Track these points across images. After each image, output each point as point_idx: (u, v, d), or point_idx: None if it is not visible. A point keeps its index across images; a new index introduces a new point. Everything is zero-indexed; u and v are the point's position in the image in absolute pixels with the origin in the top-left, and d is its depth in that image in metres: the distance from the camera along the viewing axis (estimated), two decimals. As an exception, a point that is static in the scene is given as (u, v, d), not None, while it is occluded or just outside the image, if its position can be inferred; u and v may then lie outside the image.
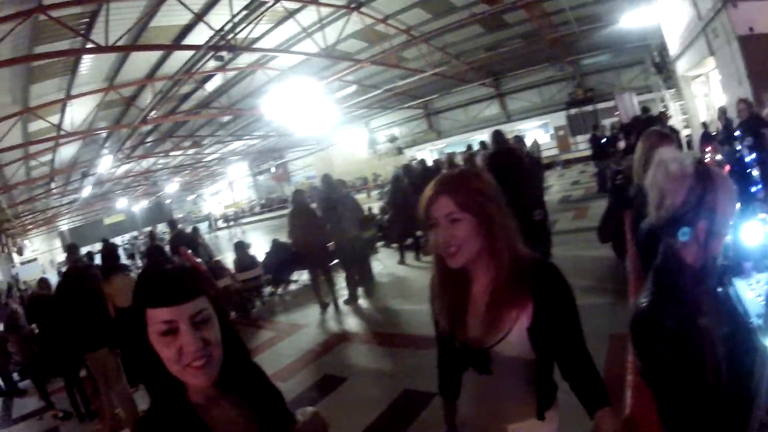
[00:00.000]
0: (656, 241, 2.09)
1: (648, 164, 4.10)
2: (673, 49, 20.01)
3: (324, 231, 10.99)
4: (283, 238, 13.55)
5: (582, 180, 21.22)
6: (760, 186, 7.25)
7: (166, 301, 1.40)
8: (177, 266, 1.50)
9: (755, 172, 7.38)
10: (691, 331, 1.86)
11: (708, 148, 13.07)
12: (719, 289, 2.09)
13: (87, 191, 29.18)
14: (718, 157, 10.70)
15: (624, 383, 2.28)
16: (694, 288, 1.90)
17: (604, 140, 17.32)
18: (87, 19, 12.19)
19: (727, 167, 8.74)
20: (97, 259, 12.46)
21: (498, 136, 9.91)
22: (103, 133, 22.51)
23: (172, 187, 45.51)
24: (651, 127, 5.06)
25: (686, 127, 21.36)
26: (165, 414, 1.45)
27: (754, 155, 7.82)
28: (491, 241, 2.05)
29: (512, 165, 8.12)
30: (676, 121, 21.16)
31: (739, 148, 8.86)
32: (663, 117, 13.33)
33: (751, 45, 12.38)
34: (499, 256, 2.05)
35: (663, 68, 23.66)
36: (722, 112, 12.74)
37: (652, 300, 1.96)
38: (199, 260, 12.16)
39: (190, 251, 12.12)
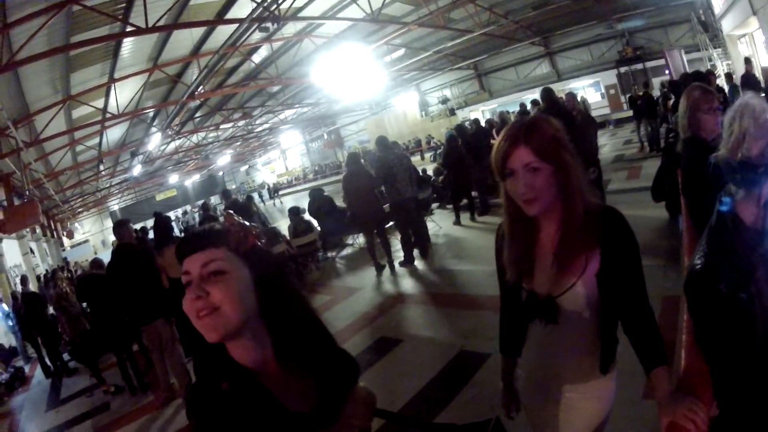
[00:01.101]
0: (716, 178, 2.09)
1: (693, 116, 4.11)
2: (717, 7, 19.41)
3: (379, 193, 11.06)
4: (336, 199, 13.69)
5: (635, 139, 20.70)
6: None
7: (183, 253, 1.45)
8: (207, 225, 1.53)
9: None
10: (745, 297, 1.86)
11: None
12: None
13: (137, 170, 29.59)
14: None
15: (675, 346, 2.27)
16: (750, 251, 1.89)
17: (655, 98, 16.90)
18: (124, 4, 12.35)
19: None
20: (152, 234, 12.79)
21: (547, 93, 9.77)
22: (151, 112, 22.84)
23: (223, 159, 45.97)
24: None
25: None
26: (215, 377, 1.43)
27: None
28: (566, 190, 2.04)
29: (564, 122, 8.06)
30: (722, 81, 20.48)
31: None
32: (711, 75, 12.95)
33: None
34: (573, 204, 2.05)
35: (709, 27, 22.99)
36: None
37: (706, 262, 1.96)
38: (246, 223, 12.34)
39: (237, 216, 12.30)
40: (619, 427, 3.67)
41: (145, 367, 8.84)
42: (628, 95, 17.95)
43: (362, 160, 11.89)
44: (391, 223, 11.94)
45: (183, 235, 1.37)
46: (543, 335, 2.27)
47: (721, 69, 21.45)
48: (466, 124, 18.40)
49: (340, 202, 13.02)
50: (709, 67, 20.43)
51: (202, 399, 1.42)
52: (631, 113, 20.14)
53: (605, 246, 2.07)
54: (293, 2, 13.79)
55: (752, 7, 14.39)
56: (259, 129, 37.57)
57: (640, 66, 30.01)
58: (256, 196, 38.76)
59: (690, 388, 1.89)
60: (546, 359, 2.33)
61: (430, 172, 17.79)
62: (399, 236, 11.38)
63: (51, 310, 12.17)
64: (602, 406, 2.30)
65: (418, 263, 11.14)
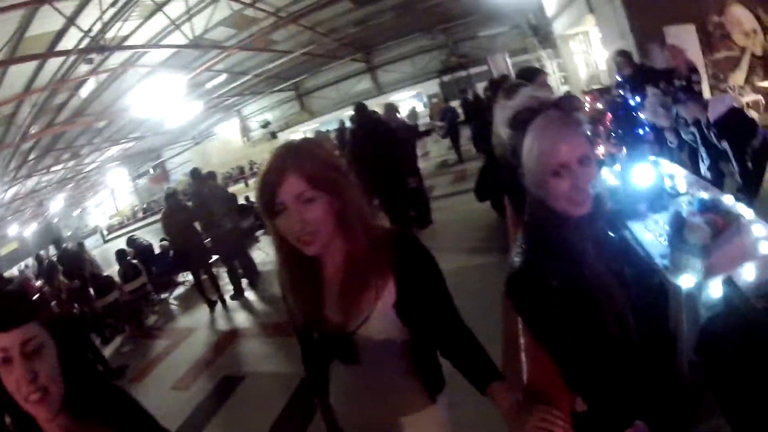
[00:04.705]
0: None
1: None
2: (550, 10, 20.37)
3: (198, 228, 10.90)
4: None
5: (460, 143, 21.48)
6: (647, 129, 7.43)
7: None
8: (6, 291, 1.36)
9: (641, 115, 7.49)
10: (581, 285, 1.73)
11: (588, 98, 13.27)
12: (612, 235, 2.01)
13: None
14: (599, 105, 10.80)
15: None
16: (576, 238, 1.76)
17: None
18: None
19: (609, 115, 8.92)
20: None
21: (358, 108, 9.86)
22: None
23: (56, 204, 43.78)
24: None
25: (564, 83, 22.13)
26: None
27: (638, 98, 7.82)
28: (345, 220, 1.82)
29: (378, 136, 8.10)
30: (553, 78, 21.62)
31: (622, 93, 8.84)
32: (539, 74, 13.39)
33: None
34: (354, 234, 1.84)
35: (539, 30, 24.11)
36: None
37: (526, 258, 1.79)
38: (38, 283, 12.05)
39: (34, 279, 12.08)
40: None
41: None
42: (461, 97, 18.48)
43: (179, 196, 11.73)
44: (215, 257, 11.71)
45: None
46: (348, 376, 2.11)
47: (550, 68, 22.65)
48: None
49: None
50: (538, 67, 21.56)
51: None
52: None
53: (400, 272, 1.89)
54: (119, 30, 13.48)
55: (589, 5, 14.99)
56: (88, 168, 36.23)
57: (464, 73, 31.06)
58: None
59: (539, 395, 1.72)
60: (357, 400, 2.15)
61: (254, 199, 17.50)
62: (226, 269, 11.22)
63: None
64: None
65: (249, 294, 11.08)
